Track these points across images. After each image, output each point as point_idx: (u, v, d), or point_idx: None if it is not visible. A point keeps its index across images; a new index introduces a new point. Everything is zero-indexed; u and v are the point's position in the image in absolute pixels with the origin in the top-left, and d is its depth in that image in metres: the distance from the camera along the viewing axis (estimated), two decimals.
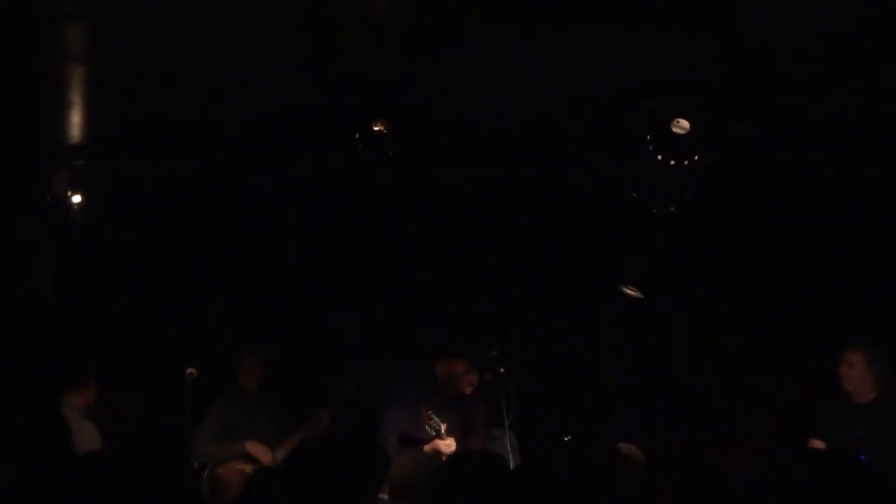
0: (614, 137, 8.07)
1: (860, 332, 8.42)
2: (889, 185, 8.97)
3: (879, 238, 9.27)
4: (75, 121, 8.12)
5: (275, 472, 6.51)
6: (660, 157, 7.72)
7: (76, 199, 8.87)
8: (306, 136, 8.28)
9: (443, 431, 8.28)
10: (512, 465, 8.19)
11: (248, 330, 9.66)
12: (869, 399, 8.08)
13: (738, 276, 9.87)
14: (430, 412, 8.34)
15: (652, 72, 7.25)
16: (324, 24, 6.38)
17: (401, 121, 7.70)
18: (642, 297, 9.32)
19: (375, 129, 7.68)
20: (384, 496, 6.47)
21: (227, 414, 9.00)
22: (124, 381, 9.16)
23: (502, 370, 8.57)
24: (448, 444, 8.24)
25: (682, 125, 7.60)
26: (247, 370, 9.15)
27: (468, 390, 8.75)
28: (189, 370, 8.60)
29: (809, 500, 4.81)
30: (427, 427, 8.32)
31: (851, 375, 8.10)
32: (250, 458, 8.84)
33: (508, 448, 8.42)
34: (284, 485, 5.24)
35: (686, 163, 7.73)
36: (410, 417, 8.37)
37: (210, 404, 8.96)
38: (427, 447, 8.26)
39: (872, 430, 7.90)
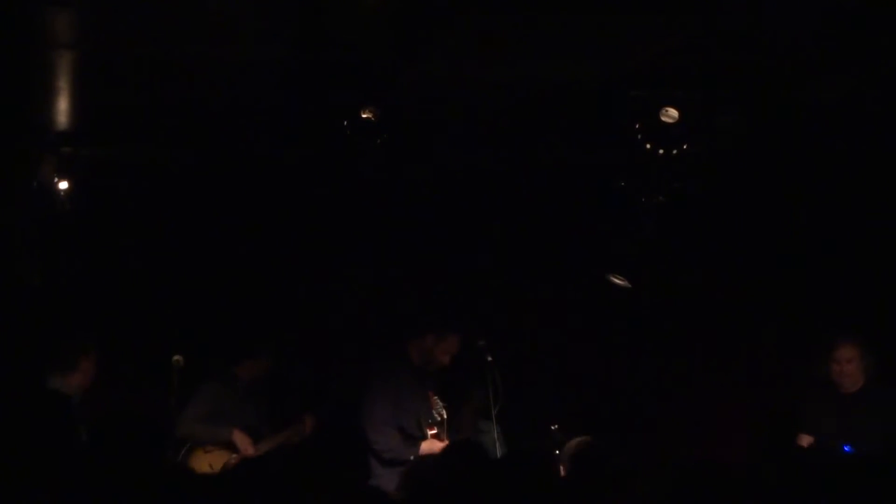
0: (603, 126, 8.06)
1: (848, 326, 8.37)
2: (879, 175, 8.97)
3: (869, 229, 9.27)
4: (62, 108, 8.08)
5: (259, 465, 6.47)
6: (648, 145, 7.72)
7: (63, 185, 8.86)
8: (295, 124, 8.26)
9: (445, 415, 8.27)
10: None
11: (236, 317, 9.64)
12: (856, 389, 8.06)
13: (726, 266, 9.87)
14: (436, 397, 8.34)
15: (641, 60, 7.24)
16: (313, 11, 6.36)
17: (389, 108, 7.69)
18: (630, 286, 9.32)
19: (364, 116, 7.67)
20: None
21: (216, 398, 8.97)
22: (110, 367, 9.13)
23: (489, 359, 8.53)
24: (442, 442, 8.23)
25: (670, 114, 7.60)
26: (256, 362, 9.10)
27: (446, 360, 8.55)
28: (176, 357, 8.60)
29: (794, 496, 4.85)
30: (434, 412, 8.31)
31: (850, 371, 8.00)
32: (231, 447, 8.81)
33: (496, 439, 8.40)
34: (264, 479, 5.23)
35: (675, 152, 7.73)
36: (394, 406, 8.33)
37: (200, 386, 8.93)
38: (424, 448, 8.24)
39: (859, 420, 7.90)
